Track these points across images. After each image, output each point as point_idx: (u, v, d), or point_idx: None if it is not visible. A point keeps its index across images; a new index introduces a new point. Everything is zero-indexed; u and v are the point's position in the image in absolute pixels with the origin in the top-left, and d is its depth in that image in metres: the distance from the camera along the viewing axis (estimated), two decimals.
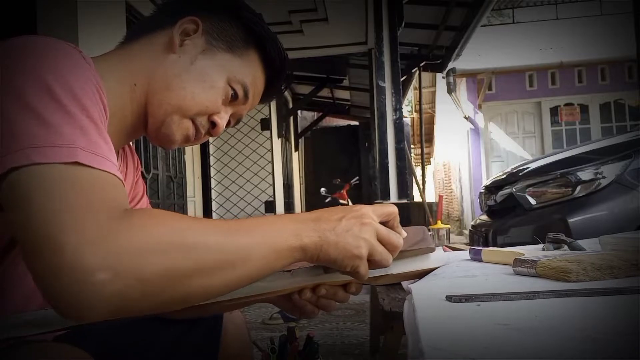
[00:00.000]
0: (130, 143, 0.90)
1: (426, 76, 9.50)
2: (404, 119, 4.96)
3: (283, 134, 7.29)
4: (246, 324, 0.99)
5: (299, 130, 9.12)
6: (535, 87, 9.94)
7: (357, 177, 7.95)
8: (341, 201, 7.22)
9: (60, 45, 0.60)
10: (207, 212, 5.58)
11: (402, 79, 4.62)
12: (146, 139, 1.06)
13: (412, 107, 13.67)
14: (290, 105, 8.09)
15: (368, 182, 7.32)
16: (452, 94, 9.53)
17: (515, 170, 2.89)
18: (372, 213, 0.64)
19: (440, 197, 4.40)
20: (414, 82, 7.72)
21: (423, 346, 0.40)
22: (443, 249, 1.00)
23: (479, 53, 9.22)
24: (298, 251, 0.59)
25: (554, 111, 9.91)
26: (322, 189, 7.51)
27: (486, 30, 9.64)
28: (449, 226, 3.85)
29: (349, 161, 9.17)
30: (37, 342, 0.61)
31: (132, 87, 0.75)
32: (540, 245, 0.96)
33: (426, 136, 11.33)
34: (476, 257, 0.88)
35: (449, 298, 0.55)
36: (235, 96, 0.80)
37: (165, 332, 0.87)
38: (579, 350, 0.37)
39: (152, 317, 0.85)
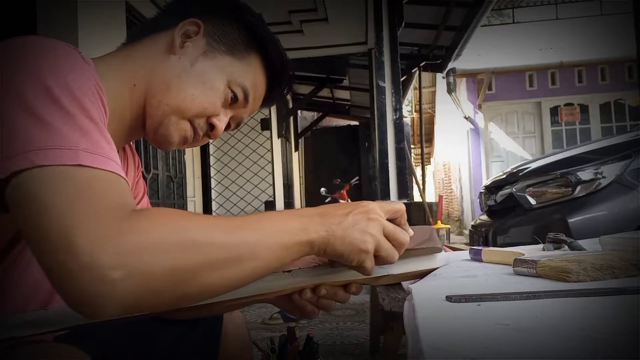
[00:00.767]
0: (131, 143, 0.90)
1: (426, 76, 9.49)
2: (404, 119, 4.96)
3: (283, 134, 7.29)
4: (246, 324, 0.99)
5: (299, 130, 9.11)
6: (535, 87, 9.94)
7: (357, 177, 7.95)
8: (341, 201, 7.22)
9: (59, 45, 0.60)
10: (207, 212, 5.57)
11: (402, 79, 4.61)
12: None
13: (412, 107, 13.66)
14: (290, 105, 8.08)
15: (368, 182, 7.32)
16: (452, 94, 9.53)
17: (515, 170, 2.89)
18: (379, 209, 0.65)
19: (440, 197, 4.40)
20: (414, 82, 7.72)
21: (423, 346, 0.40)
22: (444, 249, 1.00)
23: (479, 53, 9.22)
24: (306, 246, 0.60)
25: (554, 111, 9.91)
26: (322, 189, 7.51)
27: (486, 30, 9.64)
28: (449, 226, 3.84)
29: (349, 161, 9.17)
30: (37, 342, 0.61)
31: (131, 87, 0.75)
32: (541, 245, 0.96)
33: (426, 136, 11.33)
34: (476, 257, 0.88)
35: (449, 298, 0.55)
36: (235, 99, 0.80)
37: (165, 332, 0.86)
38: (579, 350, 0.37)
39: (152, 318, 0.85)
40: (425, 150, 9.81)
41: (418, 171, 7.12)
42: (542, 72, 9.83)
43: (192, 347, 0.87)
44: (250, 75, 0.81)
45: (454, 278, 0.70)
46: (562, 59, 9.64)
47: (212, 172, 5.84)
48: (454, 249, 1.39)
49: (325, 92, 7.94)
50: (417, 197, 5.61)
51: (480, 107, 9.95)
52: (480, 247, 0.89)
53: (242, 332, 0.96)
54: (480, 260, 0.86)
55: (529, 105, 9.96)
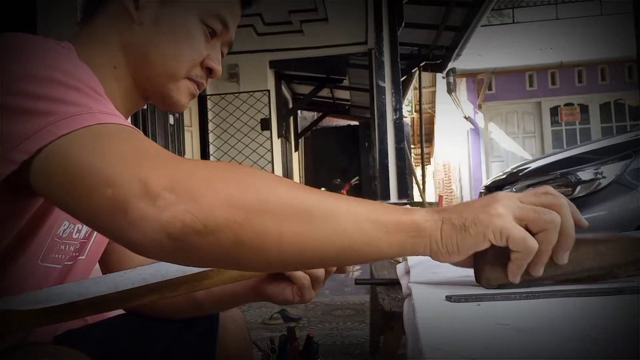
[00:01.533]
0: None
1: (426, 76, 9.50)
2: (404, 119, 4.96)
3: (283, 134, 7.29)
4: (246, 324, 0.99)
5: (299, 130, 9.12)
6: (535, 87, 9.95)
7: (357, 177, 7.96)
8: None
9: (47, 40, 0.61)
10: None
11: (402, 79, 4.62)
12: None
13: (412, 107, 13.66)
14: (290, 105, 8.09)
15: (368, 182, 7.32)
16: (452, 94, 9.54)
17: (515, 170, 2.89)
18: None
19: (440, 197, 4.40)
20: (414, 82, 7.73)
21: (423, 346, 0.40)
22: None
23: (479, 53, 9.23)
24: (409, 226, 0.51)
25: (554, 111, 9.92)
26: (322, 189, 7.51)
27: (486, 30, 9.65)
28: None
29: (349, 161, 9.18)
30: (36, 344, 0.61)
31: (112, 70, 0.72)
32: None
33: (426, 136, 11.32)
34: None
35: (449, 298, 0.55)
36: (214, 32, 0.74)
37: (161, 332, 0.86)
38: (579, 350, 0.37)
39: (148, 317, 0.85)
40: (425, 150, 9.81)
41: (418, 171, 7.13)
42: (542, 72, 9.84)
43: (189, 346, 0.87)
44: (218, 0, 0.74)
45: (454, 278, 0.70)
46: (562, 59, 9.65)
47: None
48: None
49: (325, 92, 7.95)
50: (417, 197, 5.62)
51: (480, 107, 9.96)
52: None
53: (241, 331, 0.95)
54: None
55: (529, 105, 9.97)
